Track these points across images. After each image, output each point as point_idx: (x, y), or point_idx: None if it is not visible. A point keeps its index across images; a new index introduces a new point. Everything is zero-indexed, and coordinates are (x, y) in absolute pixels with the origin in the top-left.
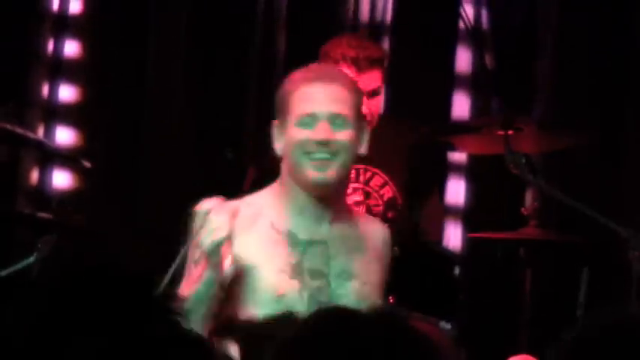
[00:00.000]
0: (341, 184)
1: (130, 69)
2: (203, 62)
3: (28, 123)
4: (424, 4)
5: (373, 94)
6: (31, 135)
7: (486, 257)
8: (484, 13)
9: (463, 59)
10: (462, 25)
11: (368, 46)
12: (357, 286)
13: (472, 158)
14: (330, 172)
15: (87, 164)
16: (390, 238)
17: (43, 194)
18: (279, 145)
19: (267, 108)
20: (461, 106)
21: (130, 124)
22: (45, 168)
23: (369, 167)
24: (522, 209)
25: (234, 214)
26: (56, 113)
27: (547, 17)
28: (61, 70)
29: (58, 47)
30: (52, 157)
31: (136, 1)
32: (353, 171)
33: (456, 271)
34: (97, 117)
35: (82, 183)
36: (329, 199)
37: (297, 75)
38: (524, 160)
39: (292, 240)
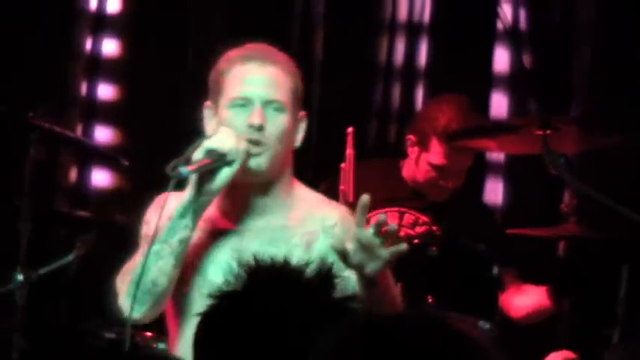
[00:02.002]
0: (273, 173)
1: (168, 67)
2: None
3: (67, 122)
4: (462, 4)
5: (464, 173)
6: (69, 134)
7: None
8: (522, 14)
9: (501, 59)
10: (500, 25)
11: (468, 117)
12: None
13: (510, 158)
14: (262, 161)
15: (125, 162)
16: (338, 214)
17: (81, 192)
18: (210, 128)
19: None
20: (499, 106)
21: (168, 122)
22: (84, 166)
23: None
24: (562, 205)
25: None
26: (95, 112)
27: (585, 17)
28: (99, 68)
29: (96, 46)
30: (90, 155)
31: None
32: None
33: (495, 270)
34: (135, 115)
35: (120, 181)
36: (259, 189)
37: (232, 53)
38: (562, 160)
39: (210, 227)
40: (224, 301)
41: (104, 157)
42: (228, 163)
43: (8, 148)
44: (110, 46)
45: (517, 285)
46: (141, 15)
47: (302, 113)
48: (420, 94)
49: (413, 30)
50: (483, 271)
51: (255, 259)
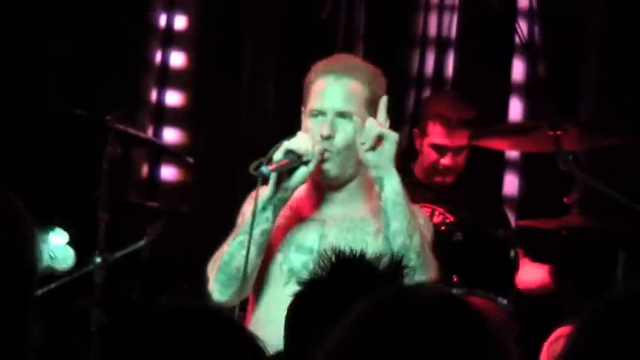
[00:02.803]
0: (345, 176)
1: (227, 76)
2: (290, 73)
3: (139, 124)
4: (484, 20)
5: (459, 150)
6: (141, 134)
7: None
8: (537, 29)
9: (518, 69)
10: (517, 39)
11: (462, 107)
12: None
13: (525, 156)
14: (331, 167)
15: (190, 160)
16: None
17: (152, 186)
18: (303, 129)
19: None
20: (516, 110)
21: (228, 124)
22: (154, 163)
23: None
24: (565, 199)
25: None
26: (163, 116)
27: (592, 32)
28: (167, 78)
29: (165, 58)
30: (159, 153)
31: (233, 17)
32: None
33: (512, 253)
34: (198, 119)
35: (186, 176)
36: (339, 186)
37: (318, 66)
38: (571, 157)
39: (294, 217)
40: (310, 288)
41: (172, 155)
42: (305, 163)
43: (88, 147)
44: (177, 58)
45: (524, 261)
46: (204, 31)
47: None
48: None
49: (441, 44)
50: (502, 254)
51: (336, 250)
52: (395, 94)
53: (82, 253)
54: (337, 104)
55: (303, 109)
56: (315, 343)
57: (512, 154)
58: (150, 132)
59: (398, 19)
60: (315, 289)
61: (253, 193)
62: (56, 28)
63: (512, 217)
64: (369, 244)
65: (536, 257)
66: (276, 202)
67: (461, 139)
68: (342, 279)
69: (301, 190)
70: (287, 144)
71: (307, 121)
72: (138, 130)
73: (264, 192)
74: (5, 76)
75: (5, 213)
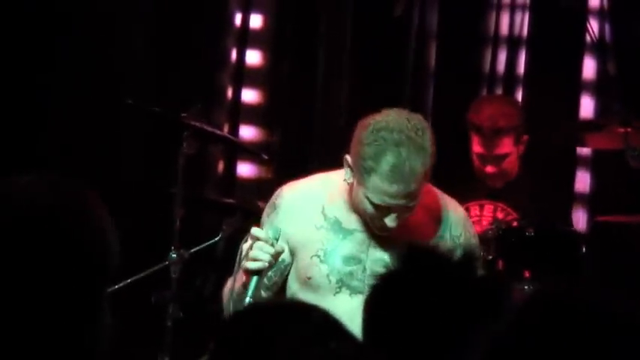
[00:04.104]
0: None
1: (302, 75)
2: (363, 71)
3: (216, 121)
4: (555, 19)
5: (502, 158)
6: (217, 131)
7: (609, 238)
8: (607, 27)
9: (589, 67)
10: (588, 37)
11: (495, 115)
12: None
13: (596, 152)
14: (390, 232)
15: (265, 156)
16: (461, 220)
17: (228, 182)
18: (349, 178)
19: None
20: (587, 108)
21: (303, 121)
22: (230, 159)
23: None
24: None
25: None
26: (240, 113)
27: None
28: (243, 76)
29: (241, 56)
30: (235, 150)
31: (308, 16)
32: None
33: (583, 249)
34: (274, 116)
35: (261, 172)
36: None
37: (377, 151)
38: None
39: (334, 227)
40: (386, 281)
41: (247, 151)
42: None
43: (164, 144)
44: (253, 56)
45: None
46: (280, 29)
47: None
48: (518, 99)
49: (513, 43)
50: (573, 249)
51: (410, 246)
52: (467, 93)
53: (159, 249)
54: (404, 204)
55: (349, 160)
56: (394, 336)
57: (584, 150)
58: (226, 129)
59: (470, 18)
60: (391, 281)
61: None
62: (133, 26)
63: (584, 214)
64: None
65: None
66: (272, 280)
67: (500, 148)
68: (417, 271)
69: (341, 200)
70: (248, 265)
71: (363, 198)
72: (214, 128)
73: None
74: (83, 74)
75: (85, 208)
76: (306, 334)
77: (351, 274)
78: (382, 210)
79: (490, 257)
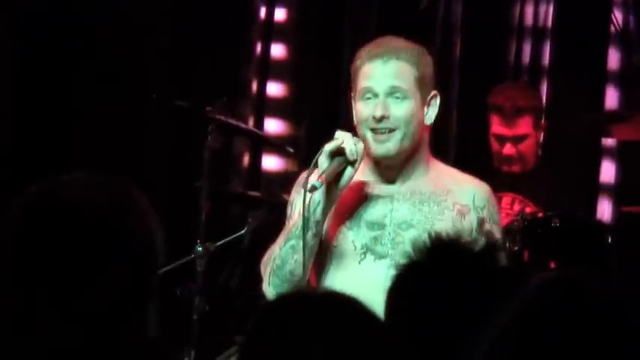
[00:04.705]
0: (406, 152)
1: (327, 68)
2: None
3: (241, 115)
4: (580, 10)
5: (520, 139)
6: (242, 125)
7: (636, 228)
8: (632, 18)
9: (613, 58)
10: (612, 28)
11: (516, 95)
12: (416, 234)
13: (621, 143)
14: (391, 145)
15: (290, 150)
16: (486, 194)
17: (253, 175)
18: (353, 116)
19: (443, 108)
20: (612, 99)
21: (328, 115)
22: (255, 153)
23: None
24: None
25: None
26: (265, 106)
27: None
28: (268, 69)
29: (265, 49)
30: (261, 143)
31: (332, 9)
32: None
33: (609, 239)
34: (299, 109)
35: (287, 166)
36: (400, 164)
37: (363, 51)
38: None
39: (360, 195)
40: (409, 271)
41: (273, 145)
42: (351, 163)
43: (190, 138)
44: (278, 50)
45: None
46: (304, 23)
47: (433, 92)
48: (544, 91)
49: (538, 34)
50: (599, 240)
51: (433, 235)
52: (492, 84)
53: (185, 242)
54: (387, 84)
55: (352, 94)
56: (416, 326)
57: (609, 141)
58: (251, 123)
59: (495, 9)
60: (414, 271)
61: (300, 177)
62: (158, 20)
63: (609, 205)
64: (452, 218)
65: None
66: (326, 204)
67: (519, 128)
68: (440, 261)
69: (362, 169)
70: (328, 146)
71: (357, 105)
72: (239, 121)
73: (314, 197)
74: (109, 69)
75: (133, 205)
76: (339, 327)
77: (375, 239)
78: (370, 105)
79: (516, 248)
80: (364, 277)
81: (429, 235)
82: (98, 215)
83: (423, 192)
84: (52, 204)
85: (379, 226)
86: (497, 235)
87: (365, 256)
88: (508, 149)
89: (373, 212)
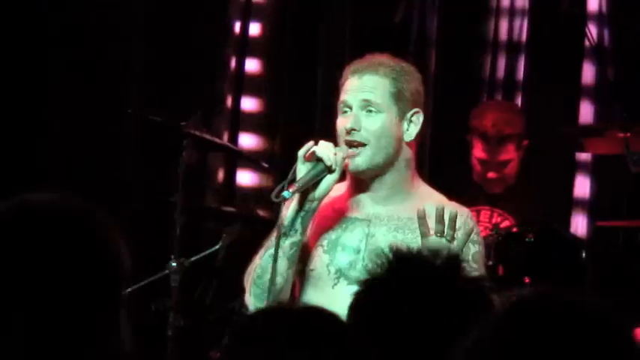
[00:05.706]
0: (379, 167)
1: (301, 83)
2: None
3: (215, 130)
4: (554, 25)
5: (504, 164)
6: (217, 140)
7: (610, 243)
8: (606, 33)
9: (588, 72)
10: (587, 43)
11: (501, 122)
12: None
13: (596, 158)
14: (360, 160)
15: (265, 165)
16: (469, 221)
17: (228, 191)
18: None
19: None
20: (586, 113)
21: (303, 130)
22: (230, 168)
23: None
24: None
25: None
26: (239, 121)
27: None
28: (243, 84)
29: (240, 64)
30: (235, 158)
31: (307, 24)
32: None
33: (583, 254)
34: (274, 125)
35: (262, 181)
36: (377, 182)
37: (348, 67)
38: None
39: (339, 217)
40: (369, 287)
41: (247, 160)
42: (330, 172)
43: (164, 153)
44: (252, 65)
45: None
46: (279, 37)
47: (415, 110)
48: (518, 105)
49: (512, 48)
50: (573, 255)
51: (393, 248)
52: (466, 98)
53: (159, 257)
54: (361, 95)
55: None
56: (377, 342)
57: (584, 156)
58: (226, 137)
59: (469, 23)
60: (375, 287)
61: (287, 203)
62: (132, 35)
63: (584, 219)
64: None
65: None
66: (304, 214)
67: (503, 154)
68: (400, 276)
69: (342, 190)
70: (301, 151)
71: (337, 119)
72: (213, 136)
73: (291, 206)
74: (82, 83)
75: (96, 223)
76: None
77: (350, 264)
78: (346, 118)
79: (490, 263)
80: (337, 302)
81: (390, 248)
82: (62, 223)
83: (400, 217)
84: (18, 215)
85: (355, 250)
86: (472, 256)
87: (338, 281)
88: (492, 174)
89: (350, 236)
